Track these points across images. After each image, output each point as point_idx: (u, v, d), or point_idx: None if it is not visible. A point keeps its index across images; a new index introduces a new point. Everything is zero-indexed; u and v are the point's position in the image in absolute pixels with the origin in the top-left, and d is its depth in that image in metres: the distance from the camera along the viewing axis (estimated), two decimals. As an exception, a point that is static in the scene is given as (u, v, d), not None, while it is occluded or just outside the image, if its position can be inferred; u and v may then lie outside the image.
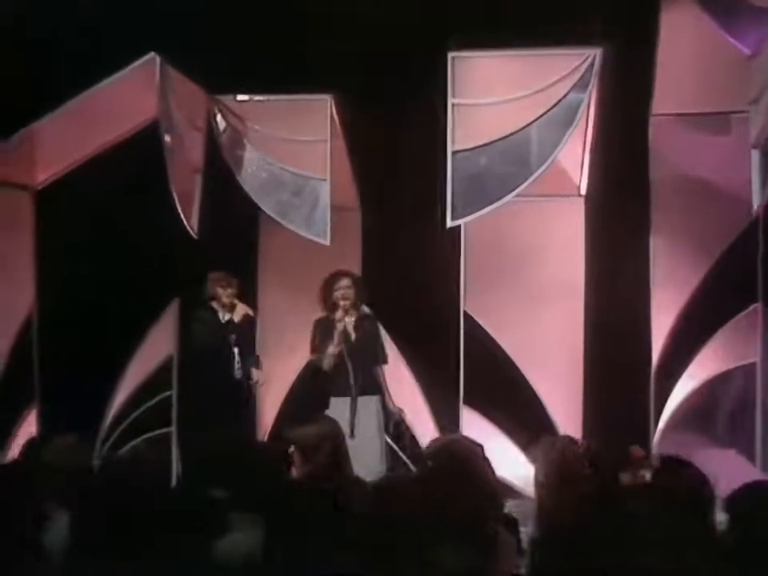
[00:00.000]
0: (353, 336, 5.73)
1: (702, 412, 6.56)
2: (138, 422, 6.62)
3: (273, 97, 6.11)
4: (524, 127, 5.11)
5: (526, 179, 5.16)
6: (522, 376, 6.26)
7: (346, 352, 5.68)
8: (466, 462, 3.30)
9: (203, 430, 5.85)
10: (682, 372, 6.41)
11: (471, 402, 6.18)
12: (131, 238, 6.44)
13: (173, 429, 6.57)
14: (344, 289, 5.73)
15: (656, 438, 6.38)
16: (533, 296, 6.22)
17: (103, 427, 6.65)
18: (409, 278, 6.38)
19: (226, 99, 6.18)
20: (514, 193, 5.18)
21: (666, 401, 6.43)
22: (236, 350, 6.26)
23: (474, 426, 6.16)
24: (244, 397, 6.30)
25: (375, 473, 5.39)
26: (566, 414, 6.19)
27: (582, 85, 5.07)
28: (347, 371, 5.67)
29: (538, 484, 3.16)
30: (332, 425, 4.07)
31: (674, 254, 6.26)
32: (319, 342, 5.76)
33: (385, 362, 5.83)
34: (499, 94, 5.19)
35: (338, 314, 5.69)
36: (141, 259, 6.46)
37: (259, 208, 6.66)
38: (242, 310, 6.35)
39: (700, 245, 6.27)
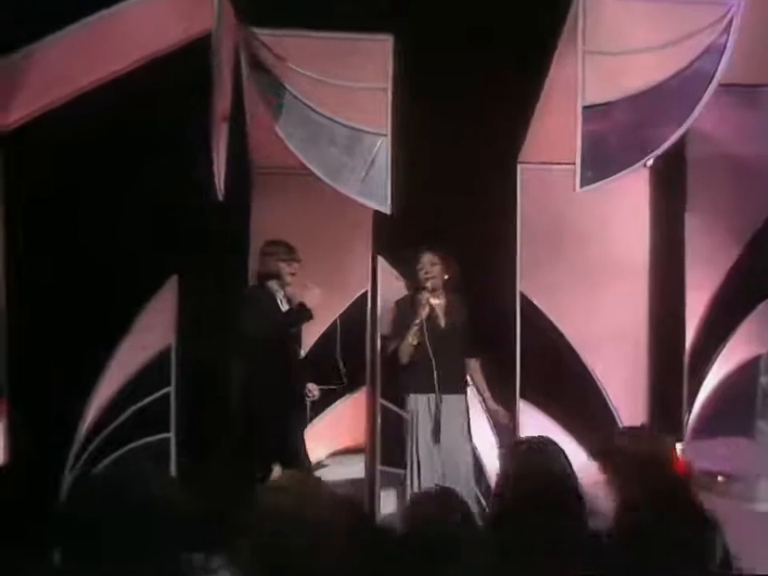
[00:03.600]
0: (441, 323, 4.85)
1: (737, 396, 6.34)
2: (125, 427, 5.37)
3: (320, 33, 5.08)
4: (661, 82, 4.45)
5: (661, 143, 4.51)
6: (582, 363, 5.61)
7: (429, 341, 4.81)
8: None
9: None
10: (717, 355, 6.11)
11: (528, 394, 5.48)
12: (130, 197, 5.18)
13: (171, 434, 5.41)
14: (427, 266, 4.82)
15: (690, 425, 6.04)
16: (593, 274, 5.55)
17: (80, 433, 5.36)
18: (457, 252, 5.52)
19: (262, 33, 5.09)
20: (647, 158, 4.51)
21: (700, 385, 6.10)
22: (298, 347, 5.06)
23: (531, 419, 5.47)
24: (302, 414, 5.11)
25: (464, 488, 4.64)
26: (629, 404, 5.62)
27: (720, 40, 4.47)
28: (431, 364, 4.80)
29: None
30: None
31: (710, 232, 5.90)
32: (399, 329, 4.83)
33: (476, 355, 4.96)
34: (632, 44, 4.50)
35: (423, 295, 4.78)
36: (140, 224, 5.23)
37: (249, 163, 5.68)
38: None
39: (735, 223, 5.96)
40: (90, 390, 5.36)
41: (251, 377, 4.94)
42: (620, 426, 5.55)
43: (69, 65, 4.73)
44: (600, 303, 5.57)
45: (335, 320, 5.80)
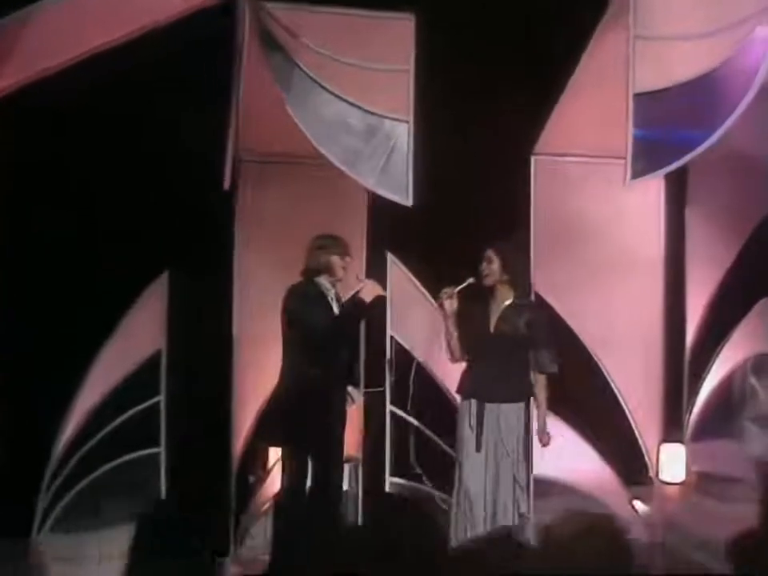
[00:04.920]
0: (491, 326, 4.46)
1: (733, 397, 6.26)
2: (108, 441, 4.80)
3: (336, 9, 4.65)
4: (713, 70, 4.23)
5: (711, 132, 4.29)
6: (597, 366, 5.37)
7: (471, 343, 4.44)
8: None
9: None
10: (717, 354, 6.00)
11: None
12: (119, 181, 4.63)
13: (161, 449, 4.86)
14: (485, 263, 4.44)
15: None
16: (606, 271, 5.30)
17: (56, 449, 4.76)
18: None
19: (273, 6, 4.62)
20: (701, 147, 4.28)
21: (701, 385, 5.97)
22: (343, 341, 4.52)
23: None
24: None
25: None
26: (644, 405, 5.38)
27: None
28: (473, 367, 4.42)
29: None
30: None
31: (710, 228, 5.80)
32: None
33: (543, 370, 4.51)
34: (685, 28, 4.27)
35: (445, 291, 4.39)
36: (130, 212, 4.68)
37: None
38: (371, 290, 4.55)
39: (735, 220, 5.86)
40: (69, 401, 4.79)
41: (296, 375, 4.50)
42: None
43: (62, 33, 4.17)
44: (614, 301, 5.35)
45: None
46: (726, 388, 6.20)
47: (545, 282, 5.31)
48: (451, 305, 4.40)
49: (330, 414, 4.47)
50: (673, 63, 4.23)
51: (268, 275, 5.28)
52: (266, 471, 5.49)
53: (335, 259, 4.57)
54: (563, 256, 5.33)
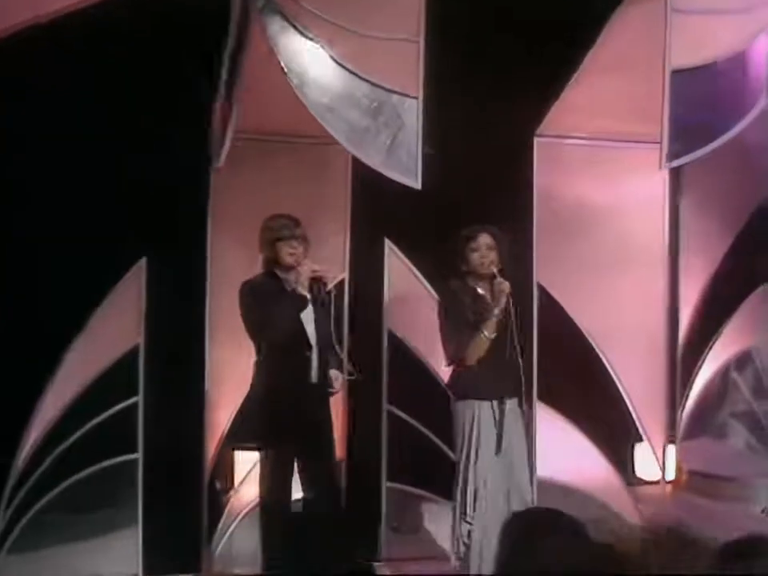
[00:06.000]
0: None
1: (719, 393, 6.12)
2: (80, 448, 4.26)
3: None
4: (745, 50, 3.99)
5: (744, 114, 4.06)
6: (600, 361, 5.10)
7: (500, 337, 4.00)
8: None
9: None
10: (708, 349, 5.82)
11: (544, 395, 4.89)
12: (93, 156, 4.10)
13: (139, 455, 4.36)
14: (483, 249, 4.06)
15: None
16: (608, 262, 5.05)
17: (18, 460, 4.20)
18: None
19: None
20: (738, 127, 4.03)
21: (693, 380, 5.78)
22: (312, 335, 4.15)
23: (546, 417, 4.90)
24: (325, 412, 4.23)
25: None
26: (647, 403, 5.18)
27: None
28: (501, 364, 4.01)
29: None
30: None
31: (703, 217, 5.63)
32: (455, 322, 4.02)
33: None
34: (722, 3, 4.02)
35: (503, 283, 3.96)
36: (105, 191, 4.17)
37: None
38: (307, 276, 4.11)
39: (729, 209, 5.71)
40: (33, 403, 4.24)
41: (265, 375, 4.16)
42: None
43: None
44: (617, 293, 5.11)
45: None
46: (716, 385, 6.08)
47: (546, 273, 5.06)
48: (508, 303, 4.01)
49: (307, 412, 4.13)
50: (708, 40, 3.98)
51: (244, 263, 4.87)
52: (232, 480, 5.08)
53: (279, 245, 4.13)
54: (565, 244, 5.05)
